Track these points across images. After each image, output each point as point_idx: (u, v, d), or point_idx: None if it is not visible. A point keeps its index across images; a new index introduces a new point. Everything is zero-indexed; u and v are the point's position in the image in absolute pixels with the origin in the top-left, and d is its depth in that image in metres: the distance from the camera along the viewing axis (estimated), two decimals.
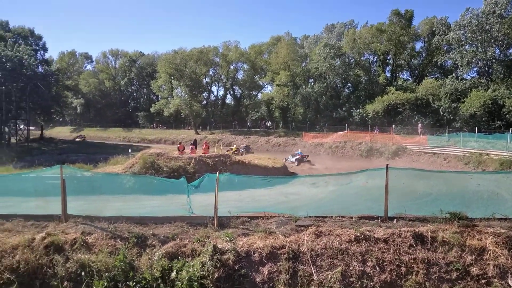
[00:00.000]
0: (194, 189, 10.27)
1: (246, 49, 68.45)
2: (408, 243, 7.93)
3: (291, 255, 7.75)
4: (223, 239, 8.24)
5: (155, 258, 7.91)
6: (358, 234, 8.09)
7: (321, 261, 7.67)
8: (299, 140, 49.06)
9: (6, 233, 8.92)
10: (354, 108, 53.46)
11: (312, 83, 59.49)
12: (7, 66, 48.37)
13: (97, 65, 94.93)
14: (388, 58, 58.06)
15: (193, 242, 8.30)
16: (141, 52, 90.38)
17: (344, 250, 7.79)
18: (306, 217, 9.74)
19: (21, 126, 63.44)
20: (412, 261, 7.58)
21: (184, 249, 8.17)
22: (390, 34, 51.93)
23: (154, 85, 71.58)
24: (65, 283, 7.57)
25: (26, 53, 52.55)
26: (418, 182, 12.26)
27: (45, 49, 68.58)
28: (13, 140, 57.06)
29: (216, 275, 7.47)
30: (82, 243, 8.33)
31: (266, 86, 71.51)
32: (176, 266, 7.72)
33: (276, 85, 58.87)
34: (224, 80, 72.69)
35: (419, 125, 42.49)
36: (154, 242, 8.43)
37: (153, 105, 71.27)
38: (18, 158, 36.67)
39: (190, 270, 7.50)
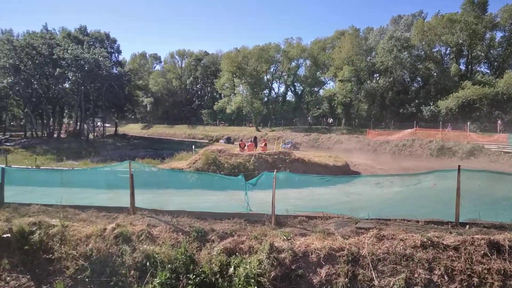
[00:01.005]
0: (251, 186, 10.35)
1: (308, 45, 67.57)
2: (482, 251, 7.22)
3: (350, 258, 7.46)
4: (280, 238, 8.20)
5: (214, 253, 8.11)
6: (425, 239, 7.54)
7: (382, 266, 7.28)
8: (363, 137, 47.17)
9: (81, 222, 9.76)
10: (423, 105, 50.04)
11: (378, 78, 56.85)
12: (86, 68, 52.91)
13: (165, 65, 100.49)
14: (463, 50, 53.32)
15: (251, 239, 8.36)
16: (205, 51, 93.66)
17: (408, 256, 7.31)
18: (368, 219, 9.33)
19: (98, 123, 69.24)
20: (486, 271, 6.89)
21: (242, 245, 8.27)
22: (463, 24, 47.63)
23: (217, 83, 73.59)
24: (132, 271, 8.06)
25: (101, 55, 57.02)
26: (495, 185, 11.04)
27: (119, 52, 74.04)
28: (91, 136, 62.44)
29: (272, 273, 7.44)
30: (147, 235, 8.82)
31: (329, 82, 69.92)
32: (234, 262, 7.84)
33: (339, 80, 57.15)
34: (285, 77, 72.51)
35: (499, 122, 38.47)
36: (213, 237, 8.65)
37: (216, 103, 73.42)
38: (95, 153, 40.04)
39: (247, 267, 7.56)
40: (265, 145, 26.72)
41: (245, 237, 8.54)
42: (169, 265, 7.97)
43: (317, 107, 71.25)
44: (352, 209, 10.10)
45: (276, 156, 23.14)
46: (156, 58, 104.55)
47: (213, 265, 7.86)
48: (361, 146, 44.65)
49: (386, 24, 67.45)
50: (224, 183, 11.75)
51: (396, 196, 11.48)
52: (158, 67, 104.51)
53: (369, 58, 58.55)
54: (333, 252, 7.63)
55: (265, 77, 70.89)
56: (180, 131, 77.57)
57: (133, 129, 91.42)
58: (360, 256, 7.49)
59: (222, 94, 76.99)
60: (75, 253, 8.58)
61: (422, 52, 53.49)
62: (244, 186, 10.32)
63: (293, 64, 70.63)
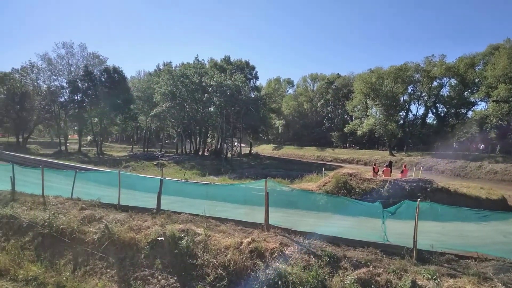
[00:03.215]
0: (390, 215, 9.60)
1: (453, 62, 60.77)
2: None
3: None
4: (423, 276, 7.33)
5: (347, 282, 7.73)
6: None
7: None
8: None
9: (221, 234, 10.56)
10: None
11: None
12: (228, 93, 58.56)
13: (297, 89, 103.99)
14: None
15: (388, 273, 7.70)
16: (338, 74, 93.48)
17: None
18: None
19: (235, 143, 75.28)
20: None
21: (378, 278, 7.68)
22: None
23: (349, 105, 72.18)
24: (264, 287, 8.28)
25: (241, 81, 62.35)
26: None
27: (256, 77, 79.92)
28: (229, 154, 68.15)
29: None
30: (280, 253, 8.98)
31: (479, 102, 61.18)
32: None
33: (493, 101, 49.46)
34: (425, 98, 66.41)
35: None
36: (346, 265, 8.28)
37: (346, 125, 72.00)
38: (232, 170, 43.40)
39: None
40: (404, 170, 24.63)
41: (381, 269, 7.91)
42: (300, 287, 7.90)
43: (464, 131, 62.79)
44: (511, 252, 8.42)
45: (414, 184, 21.06)
46: (289, 82, 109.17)
47: None
48: None
49: None
50: (358, 208, 11.20)
51: None
52: (290, 91, 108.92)
53: None
54: None
55: (402, 98, 66.34)
56: (309, 153, 78.31)
57: (265, 149, 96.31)
58: None
59: (353, 116, 75.00)
60: (215, 262, 9.29)
61: None
62: (381, 213, 9.64)
63: (435, 83, 64.34)
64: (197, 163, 50.44)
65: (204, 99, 60.57)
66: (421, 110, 70.25)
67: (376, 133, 63.94)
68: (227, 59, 75.51)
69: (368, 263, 8.22)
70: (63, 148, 64.70)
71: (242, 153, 71.59)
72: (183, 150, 71.95)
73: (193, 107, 64.59)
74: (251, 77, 77.45)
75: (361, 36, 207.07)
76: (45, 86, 65.58)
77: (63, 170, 21.12)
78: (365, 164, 56.60)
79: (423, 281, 7.17)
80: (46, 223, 12.83)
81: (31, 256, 12.09)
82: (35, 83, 65.20)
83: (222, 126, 62.65)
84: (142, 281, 9.71)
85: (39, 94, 64.35)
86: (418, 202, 8.73)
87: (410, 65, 62.49)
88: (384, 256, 8.68)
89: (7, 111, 62.28)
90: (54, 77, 65.36)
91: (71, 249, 11.67)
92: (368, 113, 67.73)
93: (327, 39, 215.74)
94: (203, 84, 60.91)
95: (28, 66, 63.80)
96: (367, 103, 66.81)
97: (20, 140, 66.91)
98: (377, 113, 64.08)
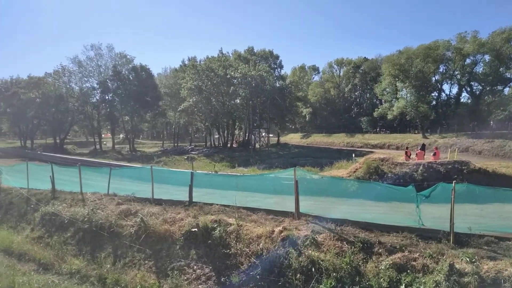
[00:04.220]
0: (424, 198, 9.34)
1: (487, 38, 57.61)
2: None
3: None
4: (461, 259, 7.12)
5: (382, 267, 7.63)
6: None
7: None
8: None
9: (252, 223, 10.68)
10: None
11: None
12: (253, 84, 58.56)
13: (323, 76, 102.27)
14: None
15: (424, 257, 7.54)
16: (365, 57, 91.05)
17: None
18: None
19: (263, 134, 75.42)
20: None
21: (413, 262, 7.54)
22: None
23: (377, 89, 70.31)
24: (298, 275, 8.32)
25: (265, 71, 62.11)
26: None
27: (281, 67, 79.52)
28: (257, 145, 68.42)
29: None
30: (312, 241, 8.98)
31: None
32: (405, 280, 7.21)
33: None
34: (459, 77, 63.51)
35: None
36: (380, 250, 8.17)
37: (376, 109, 70.31)
38: (261, 160, 43.56)
39: (421, 287, 6.81)
40: (436, 153, 23.81)
41: (417, 253, 7.75)
42: (334, 274, 7.90)
43: (501, 108, 59.69)
44: None
45: (450, 166, 20.33)
46: (315, 69, 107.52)
47: (381, 280, 7.39)
48: None
49: None
50: (390, 193, 10.97)
51: None
52: (316, 78, 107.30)
53: None
54: None
55: (433, 78, 63.80)
56: (338, 140, 77.16)
57: (293, 138, 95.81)
58: None
59: (382, 100, 73.08)
60: (248, 251, 9.43)
61: None
62: (415, 197, 9.39)
63: (469, 61, 61.30)
64: (226, 155, 51.02)
65: (230, 91, 60.91)
66: (455, 90, 67.34)
67: (407, 116, 62.05)
68: (250, 50, 75.37)
69: (403, 248, 8.07)
70: (97, 147, 67.21)
71: (270, 143, 71.60)
72: (212, 143, 72.91)
73: (219, 100, 65.14)
74: (275, 66, 77.00)
75: (387, 16, 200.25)
76: (77, 88, 68.27)
77: (99, 167, 21.95)
78: (397, 148, 55.11)
79: (461, 264, 6.96)
80: (85, 219, 13.46)
81: (73, 250, 12.75)
82: (68, 86, 67.93)
83: (248, 117, 62.86)
84: (178, 271, 10.01)
85: (72, 96, 66.97)
86: (453, 184, 8.44)
87: (440, 42, 59.84)
88: (419, 240, 8.49)
89: (43, 114, 65.36)
90: (85, 79, 67.99)
91: (110, 242, 12.18)
92: (398, 96, 65.68)
93: (352, 22, 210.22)
94: (228, 76, 61.18)
95: (60, 70, 66.52)
96: (396, 86, 64.74)
97: (57, 141, 70.08)
98: (408, 95, 61.97)
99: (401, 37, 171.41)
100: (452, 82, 65.74)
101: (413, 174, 19.44)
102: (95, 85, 66.71)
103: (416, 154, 23.45)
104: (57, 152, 56.22)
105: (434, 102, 64.57)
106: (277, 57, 77.77)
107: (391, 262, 7.63)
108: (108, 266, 11.32)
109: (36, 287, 10.25)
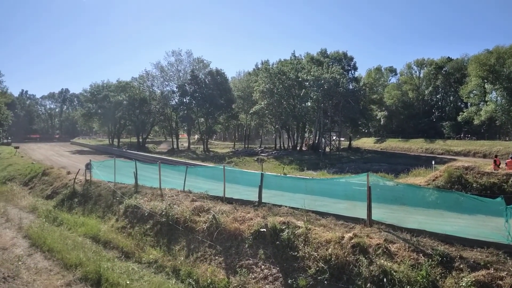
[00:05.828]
0: None
1: None
2: None
3: None
4: None
5: (463, 284, 7.05)
6: None
7: None
8: None
9: (321, 228, 10.52)
10: None
11: None
12: (325, 87, 57.62)
13: (401, 77, 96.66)
14: None
15: None
16: (448, 57, 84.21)
17: None
18: None
19: (334, 137, 73.77)
20: None
21: (500, 282, 6.83)
22: None
23: (463, 91, 64.76)
24: (368, 284, 8.00)
25: (338, 73, 60.75)
26: None
27: (355, 68, 77.03)
28: (327, 149, 67.12)
29: None
30: (384, 250, 8.57)
31: None
32: None
33: None
34: None
35: None
36: (461, 266, 7.53)
37: (460, 113, 64.83)
38: (331, 164, 42.67)
39: None
40: None
41: (505, 272, 7.00)
42: (408, 286, 7.45)
43: None
44: None
45: None
46: (392, 70, 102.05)
47: None
48: None
49: None
50: (475, 205, 10.06)
51: None
52: (393, 80, 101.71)
53: None
54: None
55: None
56: (415, 146, 72.40)
57: (366, 143, 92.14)
58: None
59: (468, 103, 67.04)
60: (316, 255, 9.32)
61: None
62: (504, 211, 8.47)
63: None
64: (295, 158, 50.87)
65: (301, 94, 60.72)
66: None
67: (497, 121, 56.34)
68: (323, 52, 74.30)
69: (488, 265, 7.32)
70: (175, 146, 71.71)
71: (341, 147, 69.76)
72: (281, 145, 73.27)
73: (290, 102, 65.31)
74: (349, 68, 74.88)
75: (475, 13, 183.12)
76: (158, 91, 74.01)
77: (176, 166, 23.45)
78: (484, 156, 50.07)
79: None
80: (163, 213, 14.45)
81: (152, 241, 13.75)
82: (151, 89, 73.85)
83: (319, 120, 61.97)
84: (246, 269, 10.24)
85: (154, 99, 72.65)
86: None
87: None
88: (508, 258, 7.63)
89: (129, 115, 71.87)
90: (166, 83, 73.58)
91: (184, 236, 12.92)
92: (486, 99, 59.71)
93: (435, 21, 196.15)
94: (300, 79, 61.05)
95: (145, 75, 72.56)
96: (485, 88, 58.94)
97: (140, 140, 76.36)
98: (498, 98, 56.17)
99: (490, 35, 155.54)
100: None
101: (502, 185, 17.51)
102: (175, 89, 71.74)
103: (506, 163, 21.10)
104: (140, 150, 61.30)
105: None
106: (351, 58, 75.60)
107: (473, 279, 6.97)
108: (182, 258, 12.00)
109: (118, 272, 11.21)
